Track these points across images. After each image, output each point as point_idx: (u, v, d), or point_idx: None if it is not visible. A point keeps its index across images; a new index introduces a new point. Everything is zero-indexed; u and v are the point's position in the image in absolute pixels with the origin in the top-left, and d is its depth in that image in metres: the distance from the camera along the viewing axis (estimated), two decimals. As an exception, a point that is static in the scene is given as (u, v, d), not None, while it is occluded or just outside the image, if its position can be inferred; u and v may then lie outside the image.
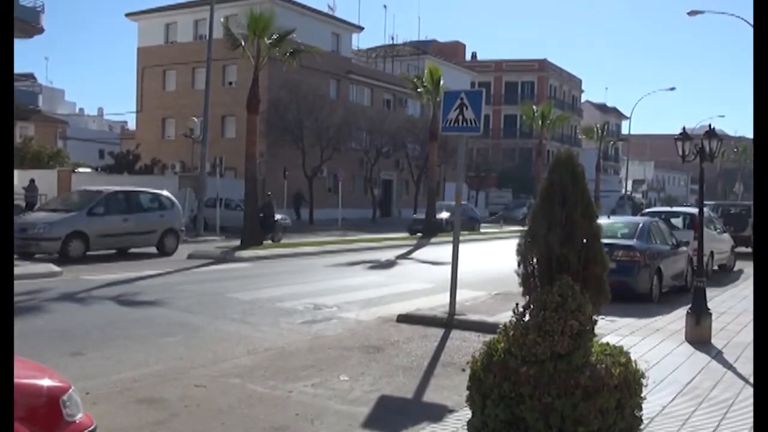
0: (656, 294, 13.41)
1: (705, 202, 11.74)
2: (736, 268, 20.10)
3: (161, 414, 6.23)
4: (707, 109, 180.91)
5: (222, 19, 27.89)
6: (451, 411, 6.37)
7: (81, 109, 79.37)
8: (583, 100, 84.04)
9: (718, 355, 8.74)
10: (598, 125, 58.16)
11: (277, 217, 31.43)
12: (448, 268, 11.09)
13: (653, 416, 6.04)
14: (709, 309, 9.75)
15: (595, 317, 4.92)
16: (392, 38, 63.07)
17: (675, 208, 24.62)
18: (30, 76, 47.95)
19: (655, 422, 5.96)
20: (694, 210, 17.78)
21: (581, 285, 4.86)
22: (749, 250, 21.59)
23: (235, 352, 8.71)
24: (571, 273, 4.91)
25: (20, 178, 30.90)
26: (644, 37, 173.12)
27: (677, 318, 10.97)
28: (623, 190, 67.19)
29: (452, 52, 67.99)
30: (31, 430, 3.62)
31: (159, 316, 10.90)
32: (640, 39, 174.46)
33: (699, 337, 9.48)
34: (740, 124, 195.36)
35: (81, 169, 42.52)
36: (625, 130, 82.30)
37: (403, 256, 22.90)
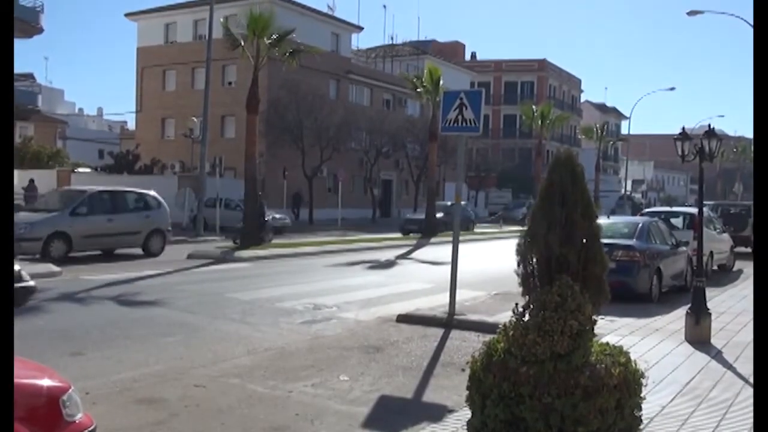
0: (656, 294, 13.42)
1: (704, 202, 11.74)
2: (735, 268, 20.10)
3: (161, 414, 6.23)
4: (707, 109, 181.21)
5: (221, 19, 27.89)
6: (450, 411, 6.38)
7: (80, 109, 79.44)
8: (582, 100, 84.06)
9: (717, 355, 8.75)
10: (597, 125, 58.20)
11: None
12: (448, 268, 11.09)
13: (653, 416, 6.05)
14: (708, 309, 9.75)
15: (594, 317, 4.92)
16: (392, 38, 63.10)
17: (674, 208, 24.63)
18: (29, 76, 47.99)
19: (655, 422, 5.96)
20: (694, 210, 17.79)
21: (581, 285, 4.86)
22: (749, 250, 21.61)
23: (234, 352, 8.71)
24: (570, 273, 4.91)
25: (20, 178, 30.90)
26: (644, 37, 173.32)
27: (677, 318, 10.98)
28: (623, 190, 67.21)
29: (452, 52, 67.99)
30: (31, 430, 3.63)
31: (159, 316, 10.90)
32: (639, 39, 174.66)
33: (698, 337, 9.49)
34: (740, 124, 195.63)
35: (80, 169, 42.56)
36: (624, 130, 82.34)
37: (403, 256, 22.90)
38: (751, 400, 6.30)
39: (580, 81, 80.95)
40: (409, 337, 9.84)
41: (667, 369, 7.92)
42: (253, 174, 24.27)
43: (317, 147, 39.58)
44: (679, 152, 10.49)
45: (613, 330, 9.98)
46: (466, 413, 5.36)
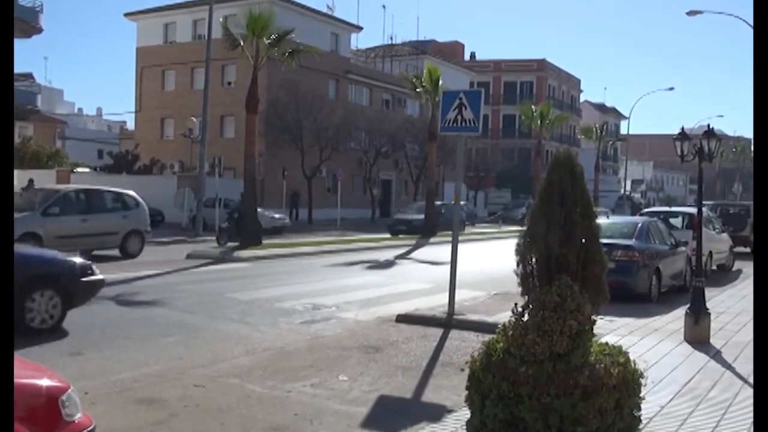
0: (655, 294, 13.42)
1: (704, 202, 11.75)
2: (734, 268, 20.11)
3: (160, 414, 6.23)
4: (706, 109, 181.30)
5: (221, 19, 27.88)
6: (450, 411, 6.38)
7: (80, 109, 79.43)
8: (581, 100, 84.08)
9: (716, 355, 8.75)
10: (596, 125, 58.29)
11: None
12: (447, 268, 11.09)
13: (652, 416, 6.05)
14: (707, 309, 9.76)
15: (593, 317, 4.92)
16: (391, 38, 63.15)
17: (674, 208, 24.64)
18: (29, 76, 47.92)
19: (654, 422, 5.97)
20: (693, 210, 17.81)
21: (580, 285, 4.86)
22: (748, 250, 21.63)
23: (234, 352, 8.71)
24: (569, 273, 4.91)
25: (19, 178, 30.87)
26: (643, 37, 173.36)
27: (676, 318, 10.98)
28: (622, 190, 67.22)
29: (451, 52, 67.97)
30: (30, 430, 3.63)
31: (158, 316, 10.90)
32: (639, 39, 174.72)
33: (698, 336, 9.49)
34: (739, 124, 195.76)
35: (80, 169, 42.54)
36: (623, 130, 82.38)
37: (402, 256, 22.90)
38: (751, 400, 6.31)
39: (579, 81, 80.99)
40: (409, 337, 9.85)
41: (666, 369, 7.93)
42: (252, 174, 24.28)
43: (316, 147, 39.57)
44: (679, 152, 10.50)
45: (612, 330, 9.98)
46: (465, 413, 5.36)
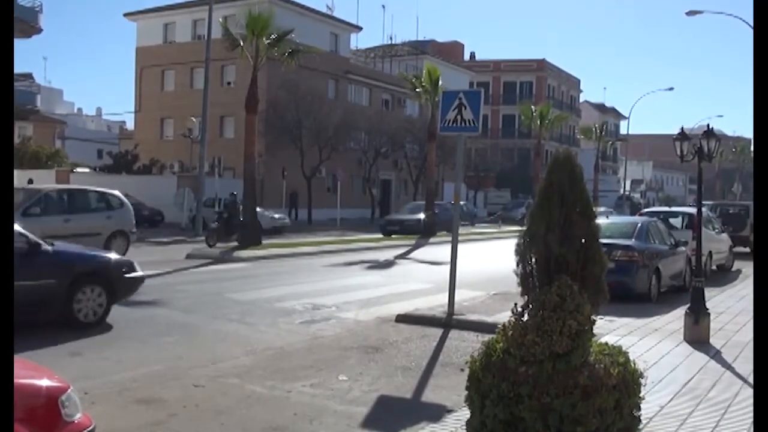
0: (655, 294, 13.42)
1: (703, 202, 11.75)
2: (734, 268, 20.11)
3: (160, 414, 6.23)
4: (706, 109, 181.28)
5: (221, 19, 27.89)
6: (449, 411, 6.38)
7: (79, 109, 79.35)
8: (581, 100, 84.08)
9: (716, 355, 8.75)
10: (596, 125, 58.27)
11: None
12: (447, 268, 11.09)
13: (652, 416, 6.05)
14: (707, 309, 9.76)
15: (593, 317, 4.92)
16: (391, 38, 63.12)
17: (674, 208, 24.65)
18: (28, 76, 47.87)
19: (654, 422, 5.97)
20: (693, 210, 17.81)
21: (580, 285, 4.86)
22: (747, 250, 21.63)
23: (233, 353, 8.70)
24: (569, 273, 4.91)
25: (19, 178, 30.85)
26: (643, 37, 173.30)
27: (676, 318, 10.98)
28: (622, 190, 67.22)
29: (451, 52, 67.95)
30: (30, 430, 3.63)
31: (158, 317, 10.90)
32: (638, 39, 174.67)
33: (697, 336, 9.49)
34: (738, 124, 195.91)
35: (79, 169, 42.53)
36: (623, 130, 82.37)
37: (402, 256, 22.90)
38: (750, 400, 6.31)
39: (579, 81, 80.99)
40: (408, 337, 9.85)
41: (666, 369, 7.93)
42: (252, 174, 24.28)
43: (316, 147, 39.59)
44: (678, 152, 10.50)
45: (611, 330, 9.99)
46: (465, 413, 5.36)
